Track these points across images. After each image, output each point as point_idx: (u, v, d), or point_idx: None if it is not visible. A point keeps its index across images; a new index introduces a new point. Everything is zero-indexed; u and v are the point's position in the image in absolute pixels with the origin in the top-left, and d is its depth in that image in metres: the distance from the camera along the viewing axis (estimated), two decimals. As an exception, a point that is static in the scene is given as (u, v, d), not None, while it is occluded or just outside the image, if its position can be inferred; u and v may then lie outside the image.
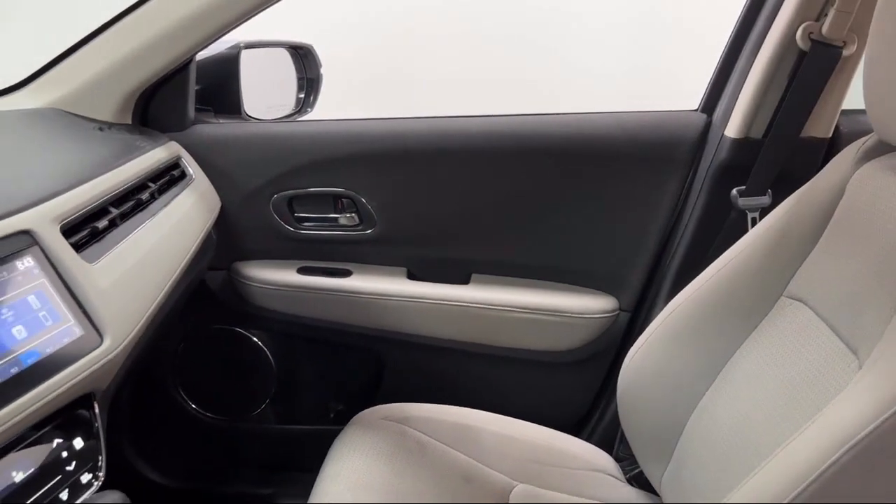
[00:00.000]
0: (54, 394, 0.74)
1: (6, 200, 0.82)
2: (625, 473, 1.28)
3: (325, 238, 1.41)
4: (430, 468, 1.15)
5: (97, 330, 0.82)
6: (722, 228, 1.25)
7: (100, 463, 0.80)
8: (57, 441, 0.77)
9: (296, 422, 1.54)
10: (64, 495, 0.75)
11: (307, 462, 1.18)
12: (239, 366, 1.51)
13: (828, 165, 0.98)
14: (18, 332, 0.74)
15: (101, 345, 0.81)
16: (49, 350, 0.76)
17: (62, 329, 0.79)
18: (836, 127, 1.23)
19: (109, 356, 0.82)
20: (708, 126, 1.29)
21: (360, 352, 1.48)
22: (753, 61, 1.20)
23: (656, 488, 1.16)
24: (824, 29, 1.11)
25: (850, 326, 0.87)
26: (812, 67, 1.14)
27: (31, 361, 0.73)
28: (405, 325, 1.42)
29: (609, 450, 1.32)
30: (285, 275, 1.42)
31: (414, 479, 1.12)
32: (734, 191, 1.22)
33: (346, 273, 1.42)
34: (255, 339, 1.49)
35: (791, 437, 0.79)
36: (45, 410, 0.74)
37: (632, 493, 1.22)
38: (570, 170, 1.33)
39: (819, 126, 1.21)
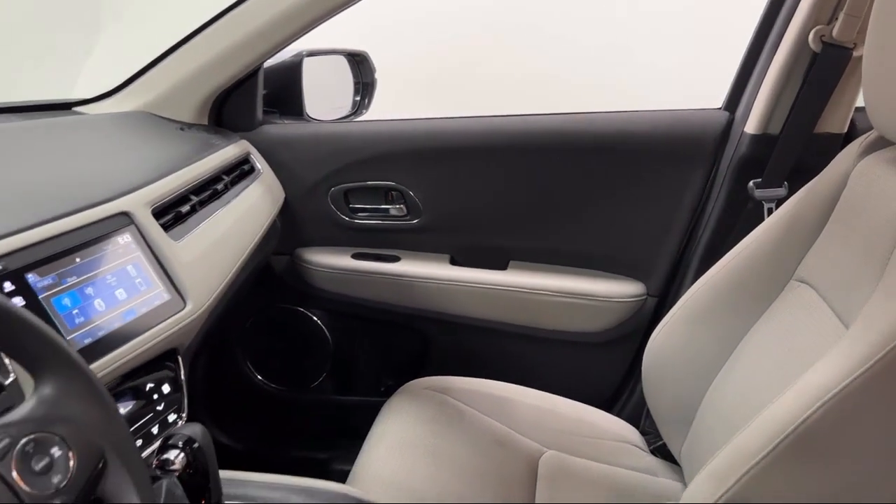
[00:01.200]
0: (147, 346, 0.90)
1: (108, 188, 0.99)
2: (649, 445, 1.38)
3: (376, 227, 1.55)
4: (467, 432, 1.28)
5: (181, 296, 0.98)
6: (739, 218, 1.34)
7: (183, 405, 0.96)
8: (150, 386, 0.93)
9: (349, 393, 1.69)
10: (154, 429, 0.91)
11: (359, 430, 1.30)
12: (300, 341, 1.67)
13: (834, 159, 1.07)
14: (120, 293, 0.90)
15: (184, 308, 0.97)
16: (143, 310, 0.92)
17: (153, 294, 0.95)
18: (853, 123, 1.30)
19: (191, 318, 0.98)
20: (730, 123, 1.37)
21: (407, 330, 1.62)
22: (771, 62, 1.29)
23: (677, 459, 1.25)
24: (835, 32, 1.19)
25: (843, 303, 0.96)
26: (823, 68, 1.22)
27: (130, 318, 0.89)
28: (448, 306, 1.54)
29: (636, 425, 1.42)
30: (341, 260, 1.57)
31: (452, 441, 1.24)
32: (751, 183, 1.31)
33: (394, 259, 1.56)
34: (314, 317, 1.65)
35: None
36: (141, 359, 0.90)
37: (654, 462, 1.31)
38: (601, 164, 1.43)
39: (833, 122, 1.28)
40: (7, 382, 0.69)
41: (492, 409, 1.33)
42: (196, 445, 0.80)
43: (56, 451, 0.54)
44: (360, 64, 1.72)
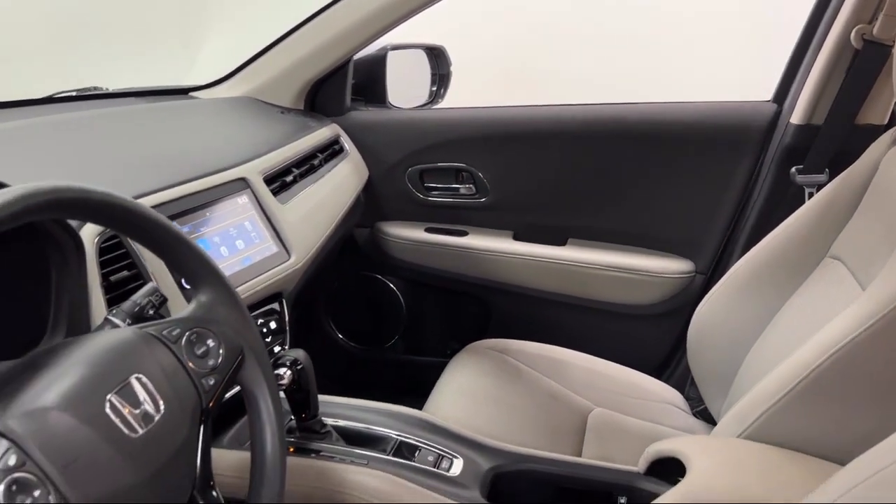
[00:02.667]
0: (259, 287, 1.09)
1: (228, 158, 1.20)
2: (692, 409, 1.50)
3: (447, 204, 1.72)
4: (524, 387, 1.43)
5: (286, 249, 1.18)
6: (783, 202, 1.45)
7: (286, 339, 1.16)
8: (260, 321, 1.13)
9: (418, 354, 1.86)
10: (264, 357, 1.11)
11: (426, 387, 1.44)
12: (376, 305, 1.86)
13: (870, 147, 1.18)
14: (239, 243, 1.10)
15: (288, 259, 1.17)
16: (257, 258, 1.11)
17: (265, 246, 1.15)
18: (894, 114, 1.39)
19: (294, 268, 1.17)
20: (777, 114, 1.48)
21: (472, 298, 1.79)
22: (816, 58, 1.39)
23: (716, 420, 1.37)
24: (875, 30, 1.29)
25: (867, 276, 1.07)
26: (864, 63, 1.32)
27: (247, 264, 1.09)
28: (510, 277, 1.70)
29: (681, 392, 1.54)
30: (415, 233, 1.75)
31: (510, 393, 1.40)
32: (793, 169, 1.42)
33: (463, 233, 1.73)
34: (390, 284, 1.83)
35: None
36: (253, 298, 1.09)
37: (695, 423, 1.43)
38: (655, 150, 1.56)
39: (875, 114, 1.38)
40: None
41: (547, 368, 1.48)
42: (300, 366, 0.99)
43: (211, 343, 0.73)
44: (437, 57, 1.89)
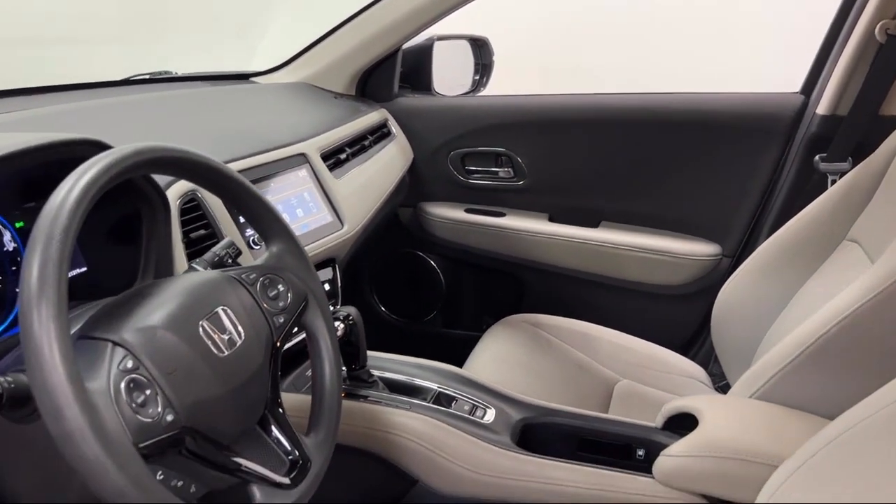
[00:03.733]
0: (315, 252, 1.21)
1: (289, 136, 1.32)
2: (714, 384, 1.58)
3: (487, 186, 1.82)
4: (554, 357, 1.53)
5: (340, 219, 1.30)
6: (807, 189, 1.52)
7: (339, 299, 1.28)
8: (315, 283, 1.25)
9: (455, 328, 1.97)
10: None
11: (463, 359, 1.52)
12: (418, 281, 1.98)
13: (890, 136, 1.25)
14: (299, 212, 1.22)
15: (342, 228, 1.29)
16: (314, 226, 1.24)
17: (321, 215, 1.27)
18: (916, 105, 1.46)
19: (346, 236, 1.29)
20: (805, 105, 1.55)
21: (507, 276, 1.89)
22: (842, 53, 1.46)
23: (738, 395, 1.45)
24: (898, 25, 1.36)
25: (878, 254, 1.14)
26: (888, 57, 1.39)
27: (305, 230, 1.21)
28: (544, 257, 1.80)
29: (705, 369, 1.62)
30: (456, 213, 1.85)
31: (541, 362, 1.50)
32: (817, 157, 1.49)
33: (501, 214, 1.83)
34: (431, 261, 1.95)
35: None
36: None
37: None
38: (688, 139, 1.64)
39: (897, 105, 1.45)
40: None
41: (576, 341, 1.57)
42: (352, 321, 1.10)
43: (281, 287, 0.85)
44: (480, 48, 2.00)
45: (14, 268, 0.84)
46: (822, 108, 1.50)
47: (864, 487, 0.71)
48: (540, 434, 1.12)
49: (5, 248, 0.84)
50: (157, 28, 2.29)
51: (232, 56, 2.36)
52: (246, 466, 0.74)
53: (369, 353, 1.19)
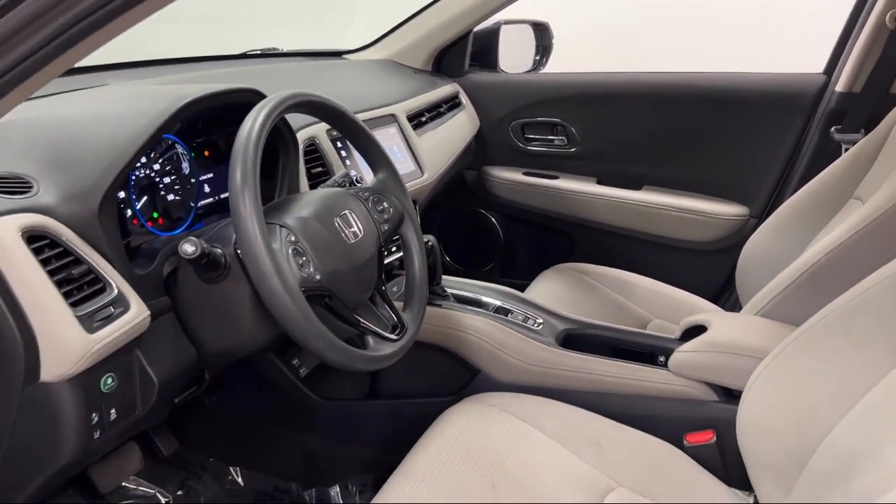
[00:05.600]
0: (402, 193, 1.50)
1: (381, 100, 1.61)
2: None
3: (543, 152, 2.09)
4: (595, 297, 1.78)
5: (420, 168, 1.58)
6: (825, 157, 1.73)
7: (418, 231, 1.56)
8: (400, 218, 1.54)
9: (512, 277, 2.24)
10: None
11: None
12: (479, 235, 2.25)
13: (894, 109, 1.46)
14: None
15: (422, 176, 1.57)
16: (400, 172, 1.52)
17: (406, 164, 1.56)
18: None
19: (425, 182, 1.58)
20: (826, 84, 1.76)
21: (559, 232, 2.15)
22: (858, 37, 1.67)
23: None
24: (906, 14, 1.56)
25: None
26: (897, 41, 1.60)
27: (394, 175, 1.50)
28: (592, 215, 2.05)
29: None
30: (515, 175, 2.12)
31: (584, 300, 1.76)
32: (833, 128, 1.71)
33: (554, 177, 2.09)
34: (491, 218, 2.22)
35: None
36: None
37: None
38: (721, 112, 1.87)
39: (906, 84, 1.65)
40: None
41: (616, 286, 1.82)
42: (430, 244, 1.38)
43: (385, 205, 1.14)
44: (542, 31, 2.25)
45: (188, 186, 1.15)
46: (840, 86, 1.72)
47: (816, 370, 0.97)
48: (578, 342, 1.39)
49: (183, 170, 1.15)
50: (267, 9, 2.62)
51: (325, 36, 2.68)
52: (364, 323, 1.03)
53: (444, 277, 1.47)
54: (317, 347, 0.91)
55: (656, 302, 1.79)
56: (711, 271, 2.00)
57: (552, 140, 2.07)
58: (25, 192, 0.86)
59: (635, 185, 2.02)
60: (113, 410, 0.91)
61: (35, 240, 0.82)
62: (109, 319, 0.85)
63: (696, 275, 2.00)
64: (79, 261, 0.85)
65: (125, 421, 0.94)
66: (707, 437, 1.21)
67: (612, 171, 2.04)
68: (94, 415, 0.88)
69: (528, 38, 2.24)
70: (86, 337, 0.82)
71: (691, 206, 1.95)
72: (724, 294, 2.00)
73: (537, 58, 2.26)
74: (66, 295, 0.82)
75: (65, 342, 0.81)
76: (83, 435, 0.87)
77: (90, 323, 0.83)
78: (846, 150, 1.70)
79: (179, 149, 1.13)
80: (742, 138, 1.87)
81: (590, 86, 1.99)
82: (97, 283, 0.87)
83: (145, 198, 1.06)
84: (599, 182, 2.06)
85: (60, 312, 0.80)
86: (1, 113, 0.77)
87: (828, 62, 1.79)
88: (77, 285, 0.84)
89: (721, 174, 1.93)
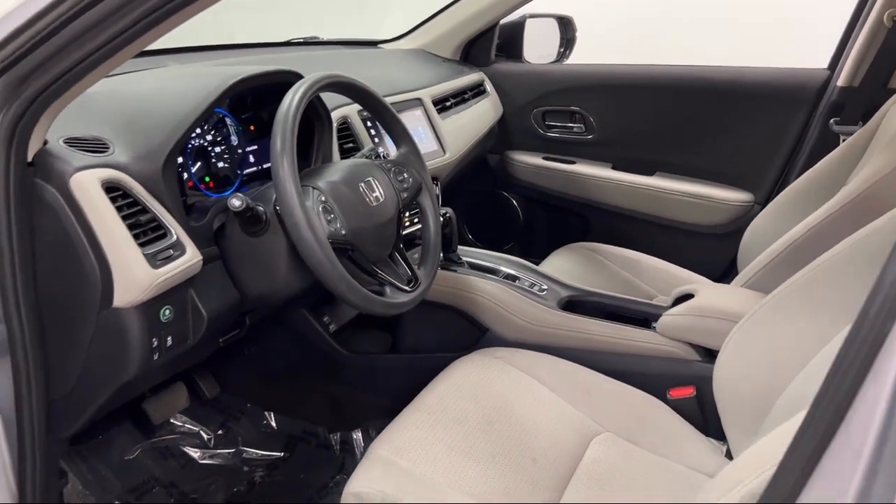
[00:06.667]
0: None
1: (409, 85, 1.77)
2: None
3: (562, 139, 2.22)
4: (604, 273, 1.92)
5: (443, 148, 1.74)
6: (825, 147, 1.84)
7: (439, 205, 1.72)
8: (423, 193, 1.70)
9: (530, 256, 2.38)
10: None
11: None
12: (500, 215, 2.40)
13: (886, 103, 1.57)
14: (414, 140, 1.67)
15: (444, 155, 1.73)
16: (424, 151, 1.67)
17: (429, 144, 1.71)
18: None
19: (447, 161, 1.73)
20: (829, 78, 1.87)
21: (575, 214, 2.28)
22: (859, 35, 1.78)
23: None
24: (902, 13, 1.67)
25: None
26: (894, 39, 1.70)
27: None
28: (606, 198, 2.18)
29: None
30: (535, 160, 2.26)
31: (592, 274, 1.89)
32: (832, 120, 1.81)
33: (572, 162, 2.22)
34: (512, 199, 2.37)
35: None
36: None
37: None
38: (730, 104, 1.98)
39: (903, 80, 1.75)
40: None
41: (625, 265, 1.95)
42: (448, 215, 1.54)
43: (405, 175, 1.30)
44: (566, 25, 2.38)
45: (235, 155, 1.32)
46: (841, 80, 1.82)
47: (780, 331, 1.11)
48: (579, 308, 1.53)
49: (232, 141, 1.32)
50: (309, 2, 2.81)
51: (363, 27, 2.85)
52: (381, 275, 1.19)
53: (462, 248, 1.63)
54: (339, 290, 1.07)
55: (662, 280, 1.91)
56: (717, 253, 2.11)
57: (571, 127, 2.20)
58: (104, 152, 1.03)
59: (648, 171, 2.14)
60: (169, 338, 1.09)
61: (111, 190, 0.99)
62: (169, 259, 1.03)
63: (702, 256, 2.12)
64: (145, 210, 1.03)
65: (179, 348, 1.11)
66: (688, 392, 1.35)
67: (627, 158, 2.17)
68: (154, 339, 1.05)
69: (553, 31, 2.38)
70: (151, 271, 0.99)
71: (700, 192, 2.07)
72: (728, 275, 2.11)
73: (561, 50, 2.39)
74: (136, 237, 1.00)
75: (134, 274, 0.98)
76: (145, 355, 1.05)
77: (154, 261, 1.00)
78: (843, 140, 1.81)
79: (229, 122, 1.30)
80: (749, 128, 1.98)
81: (607, 77, 2.12)
82: (160, 230, 1.04)
83: (199, 163, 1.24)
84: (614, 168, 2.19)
85: (131, 250, 0.98)
86: (87, 86, 0.96)
87: (831, 58, 1.89)
88: (144, 230, 1.02)
89: (729, 162, 2.04)
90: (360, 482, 1.05)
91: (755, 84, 1.95)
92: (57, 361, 1.05)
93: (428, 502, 1.02)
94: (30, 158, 0.96)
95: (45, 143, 0.99)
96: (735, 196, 2.04)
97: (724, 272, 2.13)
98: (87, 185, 0.97)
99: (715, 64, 2.02)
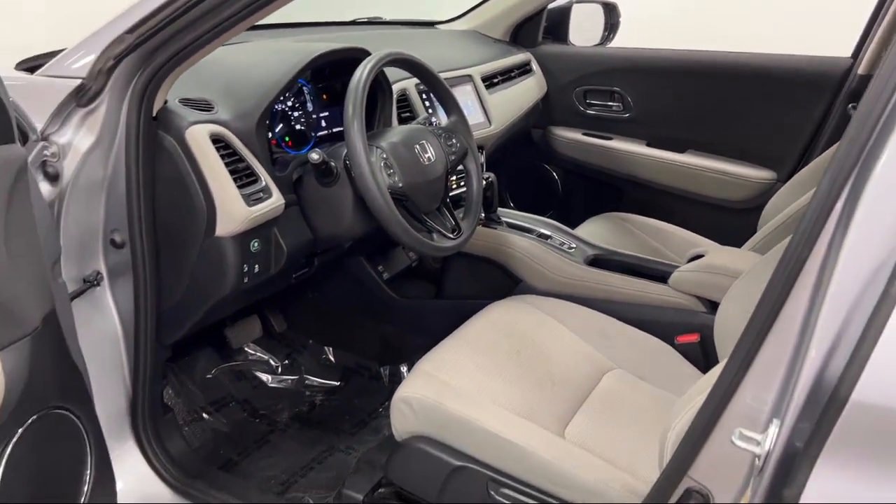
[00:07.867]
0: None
1: (461, 62, 1.98)
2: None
3: (601, 116, 2.40)
4: (634, 241, 2.09)
5: (488, 119, 1.95)
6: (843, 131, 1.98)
7: (484, 170, 1.93)
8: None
9: (566, 222, 2.58)
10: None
11: None
12: (541, 185, 2.60)
13: None
14: (464, 112, 1.88)
15: (490, 126, 1.94)
16: (472, 122, 1.89)
17: (476, 116, 1.92)
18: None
19: (492, 132, 1.94)
20: (851, 66, 2.01)
21: (611, 186, 2.47)
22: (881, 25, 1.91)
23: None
24: (921, 4, 1.80)
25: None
26: (912, 29, 1.83)
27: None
28: (640, 173, 2.36)
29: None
30: (575, 135, 2.45)
31: (621, 240, 2.07)
32: (850, 105, 1.96)
33: (609, 138, 2.40)
34: (552, 172, 2.56)
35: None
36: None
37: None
38: (758, 88, 2.13)
39: (920, 68, 1.88)
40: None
41: (653, 233, 2.13)
42: (490, 180, 1.75)
43: (454, 140, 1.52)
44: (610, 10, 2.54)
45: (311, 119, 1.56)
46: (861, 68, 1.96)
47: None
48: (603, 264, 1.73)
49: (308, 107, 1.56)
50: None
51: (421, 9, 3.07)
52: (430, 223, 1.42)
53: (502, 209, 1.84)
54: (396, 232, 1.30)
55: (687, 249, 2.09)
56: (740, 226, 2.26)
57: (610, 106, 2.38)
58: (210, 111, 1.28)
59: (680, 149, 2.31)
60: (257, 266, 1.33)
61: (216, 142, 1.24)
62: (260, 200, 1.27)
63: (726, 228, 2.28)
64: (242, 159, 1.27)
65: (263, 276, 1.36)
66: (693, 338, 1.54)
67: (661, 136, 2.33)
68: (244, 265, 1.30)
69: (598, 16, 2.54)
70: (246, 208, 1.23)
71: (727, 169, 2.23)
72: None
73: (605, 33, 2.55)
74: (234, 180, 1.24)
75: (232, 209, 1.23)
76: (237, 278, 1.30)
77: (248, 200, 1.25)
78: (861, 124, 1.95)
79: (306, 91, 1.54)
80: (775, 111, 2.13)
81: (645, 60, 2.29)
82: (252, 176, 1.29)
83: (281, 125, 1.48)
84: (649, 144, 2.35)
85: (231, 189, 1.22)
86: (201, 58, 1.20)
87: (855, 47, 2.03)
88: (240, 175, 1.26)
89: (754, 143, 2.19)
90: (407, 389, 1.28)
91: (782, 70, 2.10)
92: (167, 279, 1.30)
93: (461, 405, 1.25)
94: (154, 114, 1.21)
95: (166, 102, 1.24)
96: (759, 174, 2.19)
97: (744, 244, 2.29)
98: (198, 137, 1.21)
99: (745, 51, 2.17)
